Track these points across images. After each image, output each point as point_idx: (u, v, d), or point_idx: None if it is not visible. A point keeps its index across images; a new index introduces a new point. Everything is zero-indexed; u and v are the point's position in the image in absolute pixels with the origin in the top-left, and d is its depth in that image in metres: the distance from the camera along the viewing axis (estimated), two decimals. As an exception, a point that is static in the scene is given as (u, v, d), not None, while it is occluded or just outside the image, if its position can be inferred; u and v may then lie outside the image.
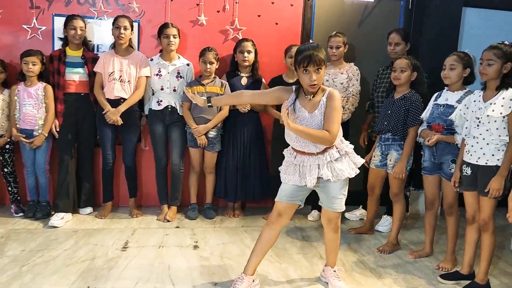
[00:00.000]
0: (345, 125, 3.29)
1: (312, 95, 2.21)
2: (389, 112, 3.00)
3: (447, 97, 2.77)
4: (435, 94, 2.87)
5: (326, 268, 2.54)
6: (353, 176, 2.30)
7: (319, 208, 3.58)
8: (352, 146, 2.36)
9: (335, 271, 2.49)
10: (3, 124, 3.31)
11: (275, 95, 2.33)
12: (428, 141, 2.75)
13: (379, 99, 3.50)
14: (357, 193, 3.57)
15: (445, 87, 2.83)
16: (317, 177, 2.23)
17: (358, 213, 3.78)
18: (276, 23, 3.78)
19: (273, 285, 2.49)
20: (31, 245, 2.85)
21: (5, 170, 3.38)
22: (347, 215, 3.77)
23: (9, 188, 3.42)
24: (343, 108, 3.39)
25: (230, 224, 3.48)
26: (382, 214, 3.59)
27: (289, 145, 2.34)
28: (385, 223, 3.51)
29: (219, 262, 2.74)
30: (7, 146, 3.35)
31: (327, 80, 3.50)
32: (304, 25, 3.83)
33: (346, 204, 3.98)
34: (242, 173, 3.60)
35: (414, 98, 2.92)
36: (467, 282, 2.56)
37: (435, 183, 2.87)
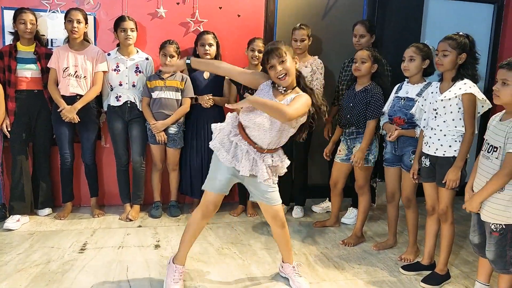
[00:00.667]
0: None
1: (284, 89, 2.19)
2: (351, 104, 2.99)
3: (408, 90, 2.76)
4: (396, 87, 2.87)
5: (285, 264, 2.49)
6: (273, 185, 2.27)
7: (286, 202, 3.57)
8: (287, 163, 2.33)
9: (294, 267, 2.45)
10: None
11: (252, 77, 2.30)
12: (389, 136, 2.75)
13: (344, 92, 3.48)
14: (323, 186, 3.56)
15: (406, 79, 2.82)
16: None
17: (324, 206, 3.76)
18: (239, 15, 3.69)
19: (233, 283, 2.45)
20: (-18, 251, 2.73)
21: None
22: (313, 207, 3.75)
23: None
24: None
25: (194, 221, 3.41)
26: (348, 206, 3.59)
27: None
28: (350, 215, 3.51)
29: (180, 262, 2.68)
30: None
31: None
32: (267, 17, 3.75)
33: (312, 197, 3.92)
34: (207, 169, 3.51)
35: (375, 91, 2.91)
36: (428, 272, 2.58)
37: (396, 175, 2.87)
